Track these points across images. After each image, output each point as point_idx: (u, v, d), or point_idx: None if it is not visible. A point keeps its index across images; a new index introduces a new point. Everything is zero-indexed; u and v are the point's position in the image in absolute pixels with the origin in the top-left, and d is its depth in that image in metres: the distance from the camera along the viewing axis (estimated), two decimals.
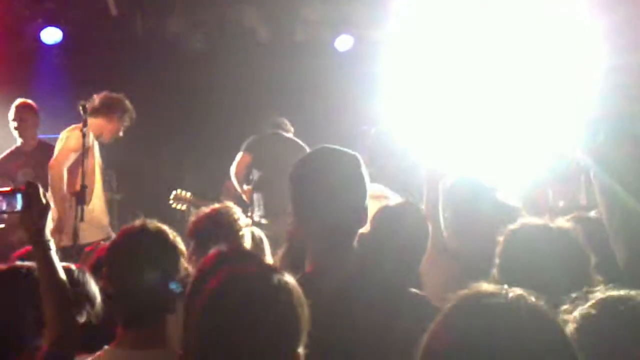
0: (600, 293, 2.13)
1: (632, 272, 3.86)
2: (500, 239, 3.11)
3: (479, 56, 7.76)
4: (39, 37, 9.23)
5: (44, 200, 2.82)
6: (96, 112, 6.93)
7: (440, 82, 8.05)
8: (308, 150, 7.67)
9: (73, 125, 6.77)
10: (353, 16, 9.59)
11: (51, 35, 9.22)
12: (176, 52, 9.74)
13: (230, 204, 4.16)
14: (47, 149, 7.18)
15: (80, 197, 6.00)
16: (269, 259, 4.23)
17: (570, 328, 1.99)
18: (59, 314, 2.79)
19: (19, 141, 7.42)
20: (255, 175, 7.95)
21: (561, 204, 6.22)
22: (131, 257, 2.73)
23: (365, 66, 9.45)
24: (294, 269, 2.90)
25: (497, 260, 3.06)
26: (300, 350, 1.98)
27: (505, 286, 1.62)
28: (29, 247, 3.85)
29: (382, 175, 5.62)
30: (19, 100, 7.43)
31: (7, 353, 2.84)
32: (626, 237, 4.02)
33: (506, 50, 7.43)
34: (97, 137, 6.98)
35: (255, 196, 7.87)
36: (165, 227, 2.82)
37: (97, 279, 3.23)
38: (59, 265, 2.83)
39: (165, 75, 9.61)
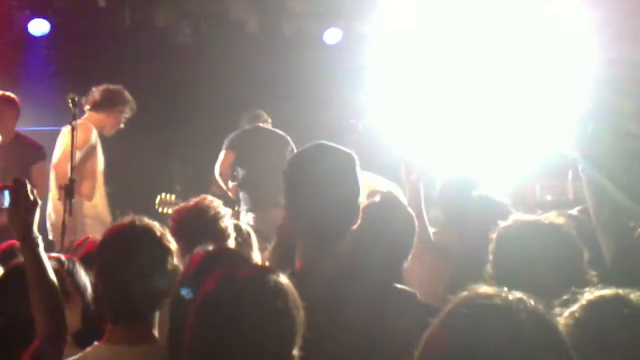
0: (588, 294, 2.12)
1: (619, 267, 3.89)
2: (493, 236, 3.11)
3: (468, 50, 7.77)
4: (27, 28, 9.14)
5: (31, 197, 2.84)
6: (98, 106, 6.87)
7: (429, 75, 8.06)
8: (289, 140, 7.75)
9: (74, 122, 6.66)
10: (342, 9, 9.56)
11: (39, 26, 9.15)
12: (164, 44, 9.71)
13: (210, 197, 4.11)
14: (23, 143, 6.96)
15: (68, 191, 5.93)
16: (256, 253, 4.22)
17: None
18: (47, 310, 2.80)
19: None
20: (240, 172, 7.92)
21: (549, 198, 6.25)
22: (121, 254, 2.72)
23: (354, 59, 9.44)
24: (283, 263, 2.91)
25: (490, 257, 3.06)
26: (295, 352, 1.98)
27: (505, 289, 1.62)
28: (12, 241, 3.86)
29: (367, 171, 5.61)
30: None
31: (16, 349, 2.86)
32: (614, 231, 4.04)
33: (494, 44, 7.43)
34: (100, 131, 6.92)
35: (242, 192, 7.85)
36: (154, 224, 2.81)
37: (87, 271, 3.24)
38: (47, 261, 2.84)
39: (153, 67, 9.57)
